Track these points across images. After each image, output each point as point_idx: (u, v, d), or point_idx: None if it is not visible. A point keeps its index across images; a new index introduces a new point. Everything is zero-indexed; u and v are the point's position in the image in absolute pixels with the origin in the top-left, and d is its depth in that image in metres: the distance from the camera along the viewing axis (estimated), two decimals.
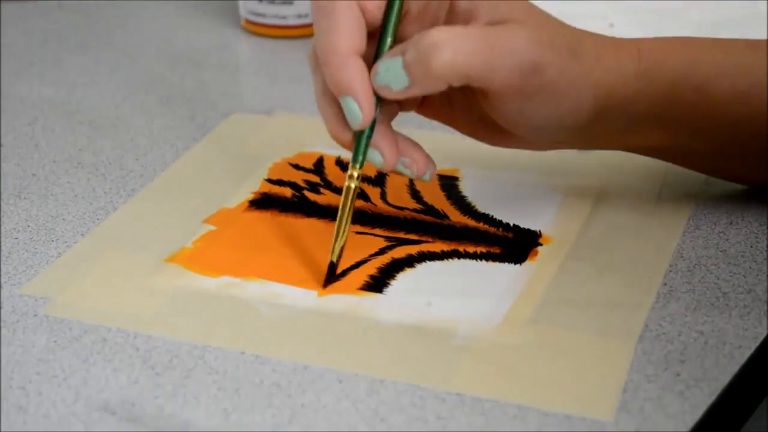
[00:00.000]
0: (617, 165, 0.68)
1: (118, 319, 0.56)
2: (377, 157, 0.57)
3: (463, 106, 0.60)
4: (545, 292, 0.57)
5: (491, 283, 0.58)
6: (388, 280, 0.59)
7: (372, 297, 0.57)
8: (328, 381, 0.52)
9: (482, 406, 0.50)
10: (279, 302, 0.57)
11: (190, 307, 0.57)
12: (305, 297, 0.57)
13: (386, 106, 0.58)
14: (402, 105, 0.60)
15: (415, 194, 0.66)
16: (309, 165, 0.69)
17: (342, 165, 0.69)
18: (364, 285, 0.58)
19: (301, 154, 0.71)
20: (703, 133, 0.60)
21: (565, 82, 0.56)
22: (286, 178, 0.68)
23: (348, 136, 0.57)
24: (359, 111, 0.55)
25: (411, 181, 0.67)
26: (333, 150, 0.70)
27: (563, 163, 0.69)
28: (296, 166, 0.69)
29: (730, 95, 0.58)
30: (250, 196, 0.66)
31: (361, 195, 0.66)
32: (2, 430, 0.50)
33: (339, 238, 0.58)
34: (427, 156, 0.59)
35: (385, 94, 0.56)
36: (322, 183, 0.67)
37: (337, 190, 0.66)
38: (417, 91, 0.56)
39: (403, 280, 0.59)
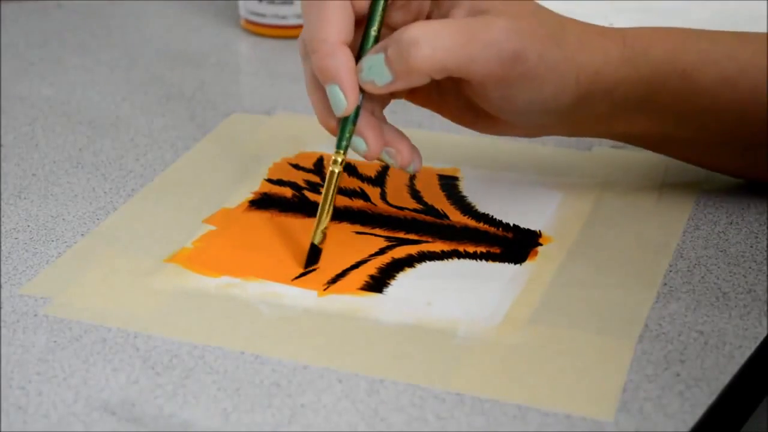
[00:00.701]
0: (617, 165, 0.68)
1: (118, 319, 0.56)
2: (361, 145, 0.59)
3: (450, 93, 0.61)
4: (545, 292, 0.57)
5: (491, 283, 0.58)
6: (388, 280, 0.59)
7: (372, 297, 0.57)
8: (328, 381, 0.52)
9: (482, 406, 0.50)
10: (279, 302, 0.57)
11: (190, 307, 0.57)
12: (305, 297, 0.57)
13: (376, 96, 0.59)
14: (392, 93, 0.61)
15: (415, 194, 0.66)
16: (309, 165, 0.69)
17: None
18: (364, 285, 0.58)
19: (301, 154, 0.71)
20: (687, 120, 0.60)
21: (545, 68, 0.57)
22: (286, 178, 0.68)
23: (334, 123, 0.59)
24: (343, 99, 0.57)
25: (411, 181, 0.67)
26: (333, 150, 0.70)
27: (563, 163, 0.69)
28: (296, 166, 0.69)
29: (715, 81, 0.59)
30: (250, 196, 0.66)
31: (361, 195, 0.66)
32: (2, 430, 0.50)
33: (321, 221, 0.59)
34: (413, 147, 0.60)
35: (370, 89, 0.57)
36: (322, 183, 0.67)
37: (337, 190, 0.66)
38: (400, 86, 0.57)
39: (403, 280, 0.59)
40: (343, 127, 0.58)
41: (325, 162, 0.69)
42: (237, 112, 0.77)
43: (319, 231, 0.59)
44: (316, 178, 0.68)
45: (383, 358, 0.53)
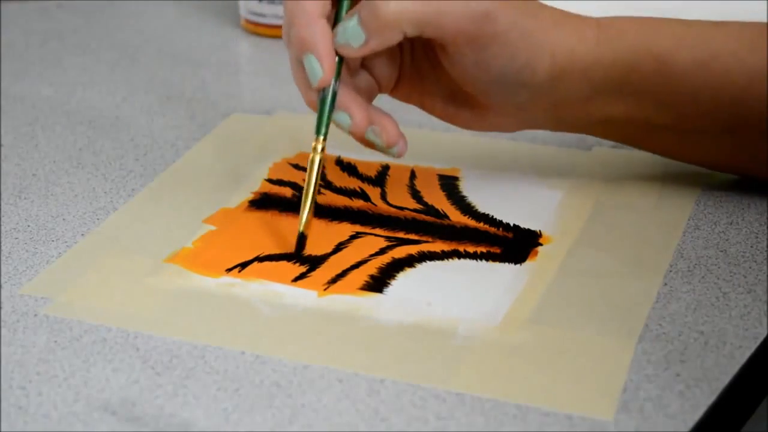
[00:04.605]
0: (617, 165, 0.68)
1: (118, 319, 0.56)
2: (346, 119, 0.60)
3: (432, 81, 0.62)
4: (545, 292, 0.57)
5: (491, 283, 0.58)
6: (388, 280, 0.59)
7: (372, 297, 0.57)
8: (328, 381, 0.52)
9: (482, 406, 0.50)
10: (279, 302, 0.57)
11: (190, 307, 0.57)
12: (305, 297, 0.57)
13: (364, 85, 0.61)
14: (379, 85, 0.62)
15: (415, 194, 0.66)
16: None
17: (342, 165, 0.69)
18: (364, 285, 0.58)
19: (301, 154, 0.71)
20: (665, 105, 0.61)
21: (518, 34, 0.58)
22: (286, 178, 0.68)
23: (314, 97, 0.60)
24: (319, 68, 0.58)
25: (411, 181, 0.67)
26: (333, 150, 0.70)
27: (563, 163, 0.69)
28: (296, 166, 0.69)
29: (690, 65, 0.60)
30: (250, 196, 0.66)
31: (361, 195, 0.66)
32: (2, 430, 0.50)
33: (305, 210, 0.60)
34: (399, 130, 0.61)
35: (347, 52, 0.59)
36: (322, 183, 0.67)
37: (337, 190, 0.66)
38: (375, 45, 0.58)
39: (403, 280, 0.59)
40: (321, 110, 0.59)
41: (325, 162, 0.69)
42: (237, 112, 0.77)
43: (304, 216, 0.60)
44: None
45: (383, 358, 0.53)
